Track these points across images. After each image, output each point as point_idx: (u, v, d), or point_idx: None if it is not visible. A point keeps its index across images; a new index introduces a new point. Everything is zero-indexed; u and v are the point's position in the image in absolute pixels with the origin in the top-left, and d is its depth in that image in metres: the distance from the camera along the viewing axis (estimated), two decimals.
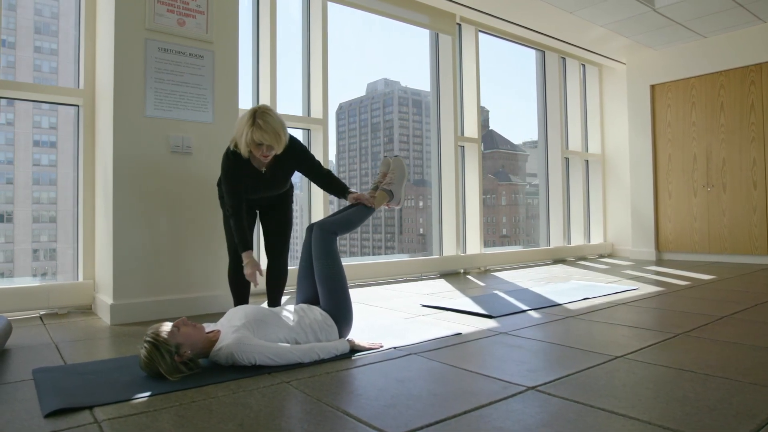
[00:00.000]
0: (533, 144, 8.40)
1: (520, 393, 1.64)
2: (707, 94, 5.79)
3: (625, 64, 6.46)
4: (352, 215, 2.30)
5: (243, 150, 2.37)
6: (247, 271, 2.40)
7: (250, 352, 1.82)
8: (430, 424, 1.39)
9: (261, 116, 2.28)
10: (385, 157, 2.59)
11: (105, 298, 2.89)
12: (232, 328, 1.89)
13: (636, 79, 6.33)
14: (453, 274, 4.97)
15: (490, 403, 1.55)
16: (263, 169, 2.50)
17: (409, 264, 4.75)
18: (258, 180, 2.50)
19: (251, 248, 2.45)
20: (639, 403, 1.54)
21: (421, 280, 4.62)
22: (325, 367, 1.92)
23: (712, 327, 2.56)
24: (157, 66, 2.93)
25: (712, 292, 3.66)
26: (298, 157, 2.55)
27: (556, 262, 6.09)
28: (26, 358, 2.10)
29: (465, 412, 1.48)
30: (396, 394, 1.65)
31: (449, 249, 5.07)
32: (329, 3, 4.23)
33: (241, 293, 2.63)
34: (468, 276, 4.88)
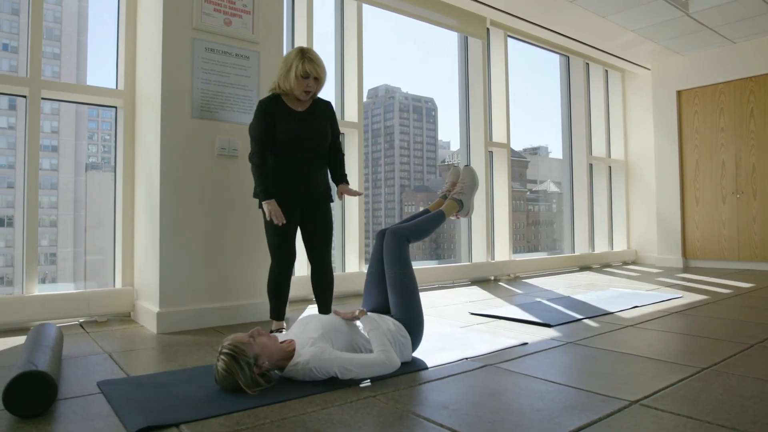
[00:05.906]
0: (533, 150, 8.34)
1: (625, 408, 1.55)
2: (736, 99, 5.72)
3: (649, 69, 6.40)
4: (424, 223, 2.21)
5: (291, 84, 2.47)
6: (270, 214, 2.41)
7: (331, 366, 1.72)
8: None
9: (308, 52, 2.47)
10: (454, 166, 2.51)
11: (149, 305, 2.79)
12: (309, 340, 1.79)
13: (662, 84, 6.26)
14: (484, 281, 4.87)
15: (600, 419, 1.46)
16: (299, 109, 2.56)
17: (440, 271, 4.65)
18: (294, 119, 2.53)
19: (275, 197, 2.45)
20: (758, 420, 1.45)
21: (453, 287, 4.53)
22: (404, 380, 1.83)
23: None
24: (203, 66, 2.84)
25: (760, 301, 3.57)
26: (330, 114, 2.66)
27: (582, 269, 6.00)
28: (84, 370, 2.00)
29: (578, 429, 1.39)
30: (494, 409, 1.56)
31: (479, 256, 4.98)
32: (364, 5, 4.16)
33: (280, 300, 2.55)
34: (500, 283, 4.78)
